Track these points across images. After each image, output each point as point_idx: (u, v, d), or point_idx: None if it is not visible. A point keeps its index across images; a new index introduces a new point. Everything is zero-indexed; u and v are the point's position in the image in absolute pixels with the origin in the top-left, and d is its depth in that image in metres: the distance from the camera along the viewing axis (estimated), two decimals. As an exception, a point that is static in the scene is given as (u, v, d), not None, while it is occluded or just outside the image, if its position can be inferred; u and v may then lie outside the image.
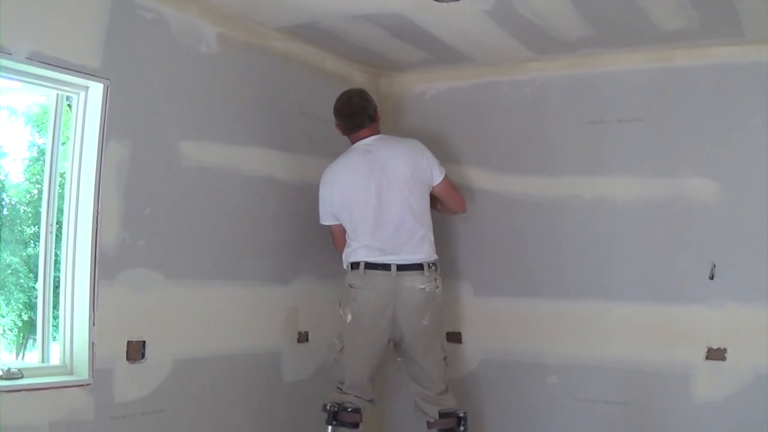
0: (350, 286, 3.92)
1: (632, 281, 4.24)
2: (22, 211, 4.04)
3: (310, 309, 4.46)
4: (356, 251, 3.93)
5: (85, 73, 3.35)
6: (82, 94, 3.46)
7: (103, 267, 3.40)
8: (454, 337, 4.68)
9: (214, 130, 3.92)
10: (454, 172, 4.66)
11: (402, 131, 4.89)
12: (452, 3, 3.67)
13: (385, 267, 3.84)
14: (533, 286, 4.51)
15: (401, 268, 3.85)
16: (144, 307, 3.58)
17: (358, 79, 4.84)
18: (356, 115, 4.04)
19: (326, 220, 4.09)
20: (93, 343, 3.35)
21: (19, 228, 3.99)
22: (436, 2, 3.68)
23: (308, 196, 4.42)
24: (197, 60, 3.85)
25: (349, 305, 3.90)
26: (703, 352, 4.04)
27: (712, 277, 4.05)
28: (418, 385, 3.97)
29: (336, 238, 4.11)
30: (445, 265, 4.21)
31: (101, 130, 3.42)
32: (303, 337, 4.42)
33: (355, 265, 3.92)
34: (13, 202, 4.02)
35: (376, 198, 3.90)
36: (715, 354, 4.02)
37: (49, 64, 3.21)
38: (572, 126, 4.43)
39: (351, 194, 3.95)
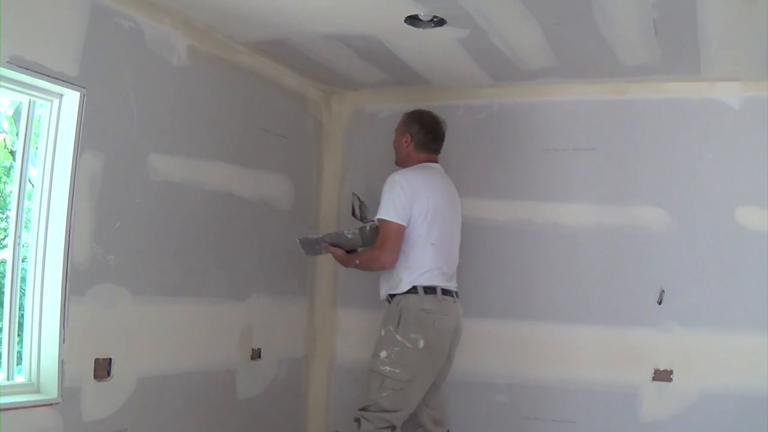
0: (425, 311, 3.69)
1: (583, 304, 4.34)
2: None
3: (263, 326, 4.37)
4: (432, 274, 3.74)
5: (64, 81, 3.19)
6: (56, 101, 3.29)
7: (74, 282, 3.23)
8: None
9: (180, 144, 3.79)
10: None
11: (354, 151, 4.88)
12: (429, 30, 3.70)
13: (451, 293, 3.80)
14: (484, 307, 4.53)
15: (456, 295, 3.85)
16: (111, 324, 3.42)
17: (312, 95, 4.79)
18: (441, 141, 3.98)
19: (401, 219, 3.70)
20: (63, 361, 3.18)
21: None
22: (413, 28, 3.69)
23: (265, 212, 4.37)
24: (168, 72, 3.72)
25: (423, 331, 3.66)
26: (650, 374, 4.18)
27: (660, 302, 4.19)
28: (430, 409, 3.89)
29: (399, 242, 3.72)
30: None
31: (76, 140, 3.25)
32: (256, 354, 4.31)
33: (430, 290, 3.71)
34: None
35: (452, 227, 3.91)
36: (662, 375, 4.16)
37: (29, 69, 3.04)
38: (526, 152, 4.50)
39: (441, 214, 3.80)
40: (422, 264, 3.75)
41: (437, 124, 3.95)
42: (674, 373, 4.15)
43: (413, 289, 3.72)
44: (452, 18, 3.57)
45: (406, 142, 3.94)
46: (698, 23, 3.47)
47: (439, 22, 3.63)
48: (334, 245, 3.94)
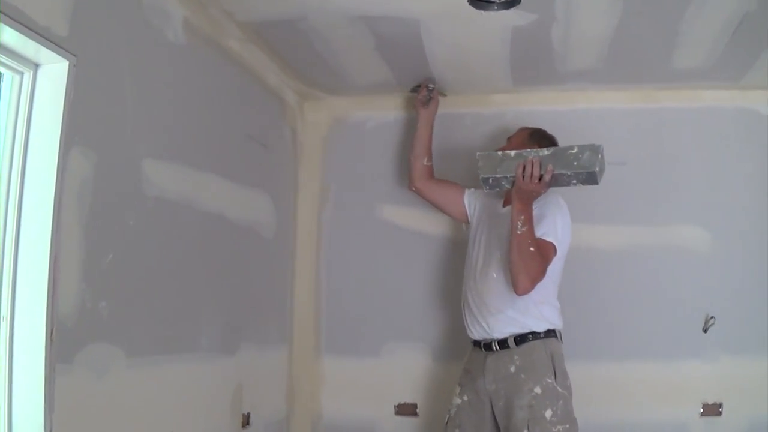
0: (563, 356, 2.86)
1: (620, 336, 3.49)
2: None
3: (252, 384, 3.17)
4: (561, 316, 2.93)
5: (50, 40, 1.97)
6: (28, 74, 2.05)
7: (61, 344, 2.00)
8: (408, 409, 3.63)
9: (175, 147, 2.61)
10: (399, 215, 3.72)
11: (331, 166, 3.80)
12: (492, 12, 2.76)
13: None
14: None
15: None
16: (103, 399, 2.18)
17: (289, 98, 3.66)
18: None
19: (560, 247, 2.85)
20: (49, 461, 1.93)
21: None
22: (473, 10, 2.74)
23: (250, 241, 3.22)
24: (164, 50, 2.54)
25: (569, 376, 2.84)
26: (699, 409, 3.39)
27: (705, 330, 3.44)
28: None
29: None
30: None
31: (62, 131, 2.04)
32: (245, 421, 3.11)
33: (560, 333, 2.91)
34: None
35: None
36: (711, 410, 3.38)
37: (7, 16, 1.82)
38: (547, 167, 3.61)
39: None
40: (557, 302, 2.91)
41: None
42: (723, 406, 3.38)
43: (552, 332, 2.85)
44: (530, -4, 2.67)
45: None
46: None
47: (510, 2, 2.70)
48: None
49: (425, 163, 3.40)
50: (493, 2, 2.72)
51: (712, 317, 3.44)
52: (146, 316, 2.40)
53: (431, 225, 3.67)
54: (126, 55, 2.30)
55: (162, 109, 2.52)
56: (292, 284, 3.68)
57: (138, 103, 2.36)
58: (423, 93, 3.42)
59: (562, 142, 3.57)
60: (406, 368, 3.61)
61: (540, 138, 3.07)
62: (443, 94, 3.54)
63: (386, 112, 3.76)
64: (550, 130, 3.59)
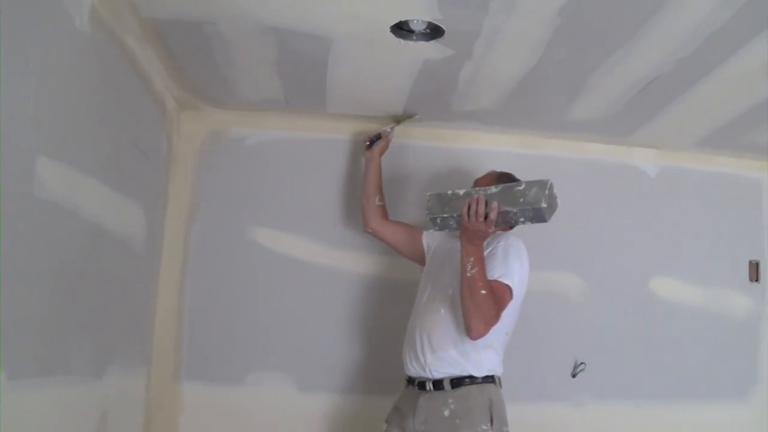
0: (503, 402, 2.70)
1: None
2: None
3: (115, 412, 2.83)
4: (502, 364, 2.80)
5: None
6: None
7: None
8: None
9: (67, 147, 2.27)
10: (271, 239, 3.54)
11: (204, 181, 3.55)
12: (410, 42, 2.69)
13: None
14: (362, 381, 3.49)
15: None
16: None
17: (169, 105, 3.36)
18: None
19: (517, 293, 2.70)
20: None
21: None
22: (395, 37, 2.65)
23: (124, 255, 2.90)
24: (69, 36, 2.23)
25: (508, 422, 2.68)
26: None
27: (574, 375, 3.52)
28: None
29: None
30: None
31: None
32: (107, 457, 2.77)
33: (499, 380, 2.75)
34: None
35: None
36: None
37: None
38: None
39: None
40: (501, 349, 2.78)
41: None
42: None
43: (490, 378, 2.70)
44: (454, 32, 2.60)
45: None
46: (691, 89, 2.97)
47: (431, 35, 2.64)
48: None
49: (377, 203, 3.25)
50: (413, 32, 2.67)
51: (582, 363, 3.53)
52: (28, 333, 2.07)
53: (303, 251, 3.52)
54: (33, 35, 1.99)
55: (59, 101, 2.20)
56: (155, 302, 3.38)
57: (39, 90, 2.05)
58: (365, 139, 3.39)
59: (443, 179, 3.59)
60: (271, 399, 3.41)
61: (508, 181, 2.84)
62: (399, 122, 3.41)
63: (267, 131, 3.58)
64: (430, 167, 3.59)
